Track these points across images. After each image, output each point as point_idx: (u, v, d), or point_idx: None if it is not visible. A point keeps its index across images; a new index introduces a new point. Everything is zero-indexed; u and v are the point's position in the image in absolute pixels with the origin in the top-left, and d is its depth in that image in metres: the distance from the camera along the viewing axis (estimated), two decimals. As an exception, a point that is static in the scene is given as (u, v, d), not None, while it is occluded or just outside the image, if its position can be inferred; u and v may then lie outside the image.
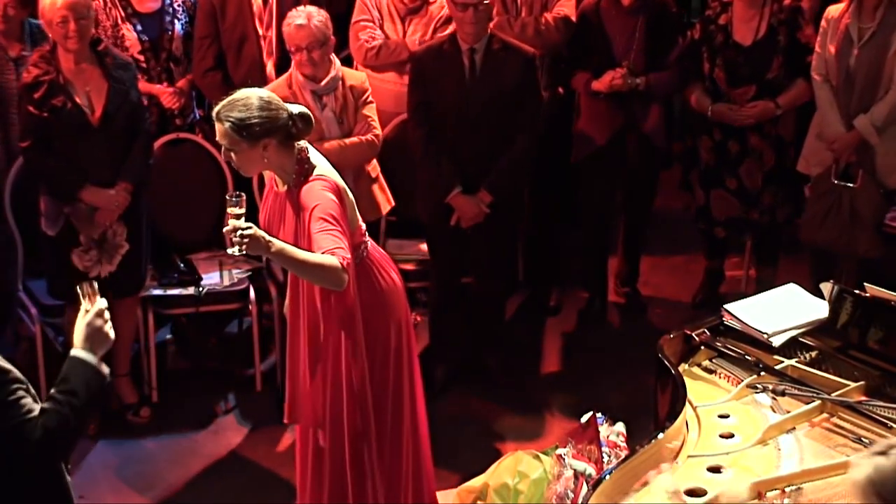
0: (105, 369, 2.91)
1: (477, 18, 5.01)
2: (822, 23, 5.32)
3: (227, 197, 3.56)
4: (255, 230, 3.48)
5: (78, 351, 2.89)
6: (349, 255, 3.58)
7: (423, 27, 5.50)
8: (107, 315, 2.95)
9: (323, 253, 3.52)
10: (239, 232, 3.45)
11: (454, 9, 5.07)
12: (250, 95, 3.69)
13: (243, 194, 3.59)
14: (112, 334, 2.96)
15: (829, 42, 5.27)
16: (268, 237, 3.52)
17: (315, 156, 3.79)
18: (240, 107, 3.64)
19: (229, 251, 3.50)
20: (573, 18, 5.58)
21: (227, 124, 3.62)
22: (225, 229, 3.50)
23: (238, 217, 3.50)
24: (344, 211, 3.71)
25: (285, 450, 4.99)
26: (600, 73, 5.56)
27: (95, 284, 2.98)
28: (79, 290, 2.96)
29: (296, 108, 3.74)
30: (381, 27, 5.48)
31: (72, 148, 4.84)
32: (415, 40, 5.45)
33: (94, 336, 2.92)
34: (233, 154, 3.68)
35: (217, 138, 3.71)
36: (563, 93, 5.77)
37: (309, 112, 3.77)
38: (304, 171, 3.73)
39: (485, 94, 5.09)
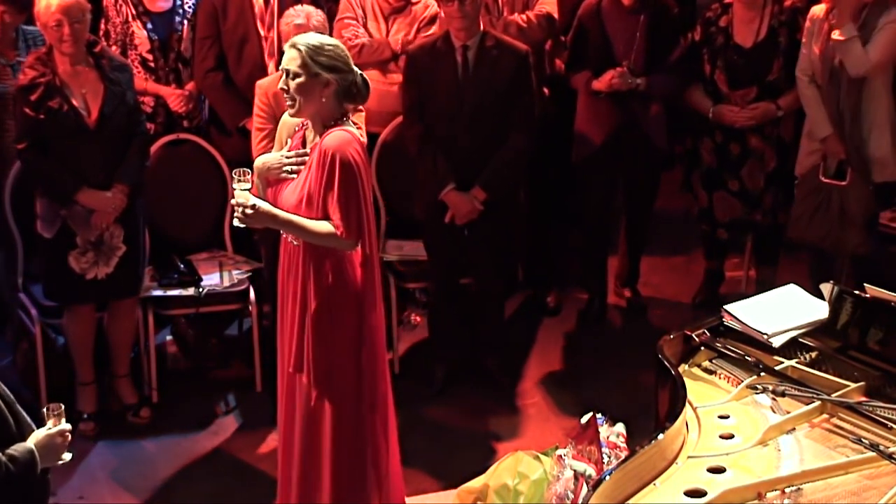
0: (39, 471, 3.15)
1: (464, 13, 5.00)
2: (807, 23, 5.33)
3: (233, 174, 3.79)
4: (259, 206, 3.73)
5: (35, 448, 3.12)
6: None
7: (407, 27, 5.50)
8: (68, 436, 3.20)
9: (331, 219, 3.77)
10: (243, 209, 3.72)
11: (442, 4, 5.08)
12: (327, 38, 3.92)
13: (249, 171, 3.79)
14: (67, 457, 3.21)
15: (813, 42, 5.28)
16: (273, 210, 3.77)
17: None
18: (317, 38, 3.85)
19: (234, 223, 3.79)
20: (555, 15, 5.59)
21: (303, 48, 3.78)
22: (231, 201, 3.76)
23: (242, 192, 3.73)
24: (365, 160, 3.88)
25: (285, 450, 4.99)
26: (601, 72, 5.56)
27: (62, 407, 3.21)
28: (46, 411, 3.20)
29: (360, 71, 3.90)
30: (365, 25, 5.49)
31: (68, 150, 4.84)
32: (398, 39, 5.47)
33: (49, 451, 3.15)
34: (293, 83, 3.78)
35: (283, 65, 3.82)
36: (548, 94, 5.77)
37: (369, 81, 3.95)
38: (338, 125, 3.84)
39: (478, 92, 5.10)
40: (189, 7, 5.49)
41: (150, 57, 5.42)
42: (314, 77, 3.77)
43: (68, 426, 3.19)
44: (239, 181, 3.74)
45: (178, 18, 5.46)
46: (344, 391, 3.95)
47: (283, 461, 4.12)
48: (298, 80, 3.77)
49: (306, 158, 3.86)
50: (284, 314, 4.00)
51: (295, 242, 3.90)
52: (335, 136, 3.80)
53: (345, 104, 3.86)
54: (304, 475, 4.01)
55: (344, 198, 3.76)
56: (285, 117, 4.05)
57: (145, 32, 5.41)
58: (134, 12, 5.40)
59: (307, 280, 3.87)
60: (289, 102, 3.83)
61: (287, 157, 3.90)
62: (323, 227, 3.78)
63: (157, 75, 5.46)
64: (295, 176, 3.87)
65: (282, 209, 3.82)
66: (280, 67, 3.85)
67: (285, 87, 3.81)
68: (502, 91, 5.10)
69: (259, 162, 3.97)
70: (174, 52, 5.48)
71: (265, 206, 3.76)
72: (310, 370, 3.90)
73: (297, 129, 3.98)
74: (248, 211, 3.71)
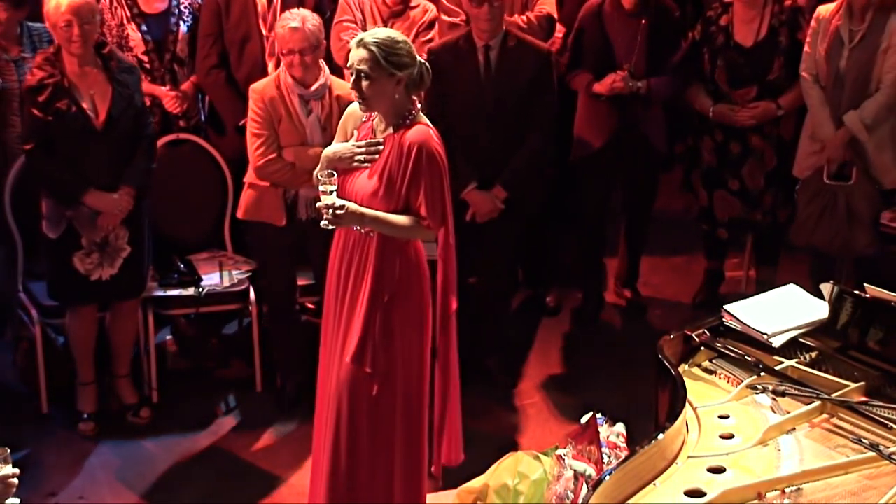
0: None
1: (492, 15, 5.05)
2: (813, 23, 5.33)
3: (317, 176, 3.81)
4: (348, 206, 3.77)
5: None
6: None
7: (406, 31, 5.49)
8: (12, 482, 3.02)
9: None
10: (332, 210, 3.75)
11: (470, 5, 5.10)
12: (392, 32, 3.90)
13: (334, 172, 3.81)
14: (12, 502, 3.02)
15: (819, 43, 5.28)
16: (361, 209, 3.80)
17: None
18: (385, 36, 3.83)
19: (321, 224, 3.83)
20: (555, 15, 5.60)
21: (375, 49, 3.78)
22: (318, 204, 3.79)
23: (329, 194, 3.76)
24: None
25: (285, 450, 4.99)
26: (601, 75, 5.57)
27: (7, 451, 3.05)
28: None
29: (421, 60, 3.91)
30: (364, 29, 5.48)
31: (75, 152, 4.83)
32: None
33: None
34: (365, 83, 3.79)
35: (353, 64, 3.80)
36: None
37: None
38: (414, 116, 3.89)
39: (500, 91, 5.13)
40: (185, 8, 5.49)
41: (145, 59, 5.41)
42: (388, 77, 3.79)
43: (14, 471, 3.05)
44: (325, 184, 3.77)
45: (172, 20, 5.45)
46: (409, 384, 3.99)
47: (318, 453, 4.11)
48: (371, 80, 3.79)
49: (380, 148, 3.88)
50: (340, 305, 3.99)
51: (362, 231, 3.91)
52: (417, 130, 3.85)
53: (412, 94, 3.90)
54: (350, 467, 4.00)
55: (430, 189, 3.82)
56: (350, 109, 4.06)
57: (140, 34, 5.40)
58: (129, 14, 5.39)
59: (380, 272, 3.90)
60: (360, 101, 3.85)
61: (359, 147, 3.91)
62: (407, 219, 3.84)
63: (153, 76, 5.45)
64: (367, 165, 3.88)
65: (352, 200, 3.84)
66: (347, 66, 3.86)
67: (357, 88, 3.82)
68: (524, 91, 5.14)
69: (329, 151, 3.97)
70: (170, 53, 5.47)
71: (353, 205, 3.80)
72: (375, 362, 3.91)
73: (364, 119, 3.99)
74: (340, 212, 3.75)
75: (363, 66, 3.78)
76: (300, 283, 5.35)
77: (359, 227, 3.90)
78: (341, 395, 3.97)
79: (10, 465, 3.05)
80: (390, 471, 4.03)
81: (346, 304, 3.97)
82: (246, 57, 5.43)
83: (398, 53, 3.80)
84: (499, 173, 5.17)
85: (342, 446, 3.98)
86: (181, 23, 5.48)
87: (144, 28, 5.40)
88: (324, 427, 4.09)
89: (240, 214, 5.21)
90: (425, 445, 4.11)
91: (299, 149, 4.97)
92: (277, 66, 5.34)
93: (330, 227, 3.84)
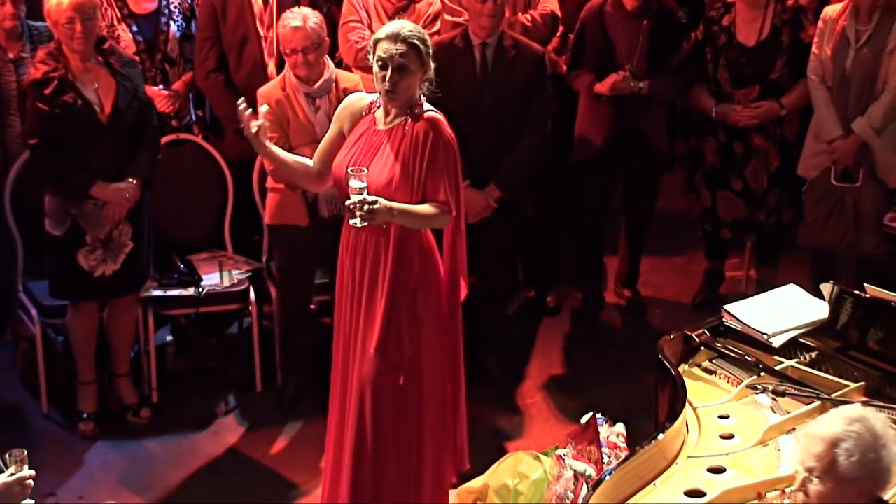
0: None
1: (495, 11, 5.07)
2: (820, 24, 5.34)
3: (349, 171, 3.75)
4: (380, 201, 3.72)
5: None
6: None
7: None
8: (28, 483, 3.06)
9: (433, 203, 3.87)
10: (366, 206, 3.70)
11: (473, 1, 5.10)
12: (416, 25, 3.99)
13: (364, 168, 3.77)
14: None
15: (825, 44, 5.28)
16: (389, 203, 3.76)
17: None
18: (418, 29, 3.91)
19: (351, 222, 3.76)
20: (558, 13, 5.60)
21: (419, 42, 3.84)
22: (348, 202, 3.72)
23: (361, 191, 3.71)
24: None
25: (285, 450, 4.99)
26: (603, 76, 5.57)
27: (24, 452, 3.08)
28: (7, 457, 3.06)
29: None
30: (370, 27, 5.48)
31: (81, 145, 4.81)
32: None
33: (5, 498, 3.01)
34: (404, 75, 3.81)
35: (391, 55, 3.80)
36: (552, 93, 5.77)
37: None
38: (421, 106, 3.93)
39: (496, 90, 5.14)
40: (175, 7, 5.48)
41: (136, 59, 5.39)
42: (421, 70, 3.86)
43: (30, 473, 3.06)
44: (355, 178, 3.73)
45: (163, 20, 5.44)
46: (432, 374, 4.02)
47: (333, 453, 4.10)
48: (410, 73, 3.82)
49: (264, 109, 3.90)
50: (357, 302, 3.98)
51: (383, 225, 3.90)
52: (429, 118, 3.89)
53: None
54: (376, 464, 3.99)
55: (445, 175, 3.85)
56: (347, 102, 4.07)
57: (130, 35, 5.38)
58: (119, 15, 5.38)
59: (398, 263, 3.90)
60: (390, 93, 3.84)
61: (242, 110, 3.88)
62: (431, 207, 3.86)
63: (145, 76, 5.42)
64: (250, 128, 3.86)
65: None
66: (380, 57, 3.83)
67: (393, 81, 3.81)
68: (519, 90, 5.14)
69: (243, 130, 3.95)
70: (161, 53, 5.46)
71: (383, 200, 3.78)
72: (401, 352, 3.92)
73: (364, 113, 3.99)
74: (375, 206, 3.71)
75: (404, 60, 3.80)
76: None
77: (383, 224, 3.88)
78: (365, 389, 3.95)
79: (27, 467, 3.06)
80: (418, 467, 4.03)
81: (363, 300, 3.96)
82: (245, 58, 5.43)
83: (429, 45, 3.88)
84: (491, 172, 5.16)
85: (367, 443, 3.96)
86: (171, 23, 5.47)
87: (135, 28, 5.39)
88: (338, 426, 4.07)
89: (266, 220, 5.21)
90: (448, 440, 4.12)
91: (310, 148, 4.95)
92: (278, 65, 5.35)
93: (361, 223, 3.75)
